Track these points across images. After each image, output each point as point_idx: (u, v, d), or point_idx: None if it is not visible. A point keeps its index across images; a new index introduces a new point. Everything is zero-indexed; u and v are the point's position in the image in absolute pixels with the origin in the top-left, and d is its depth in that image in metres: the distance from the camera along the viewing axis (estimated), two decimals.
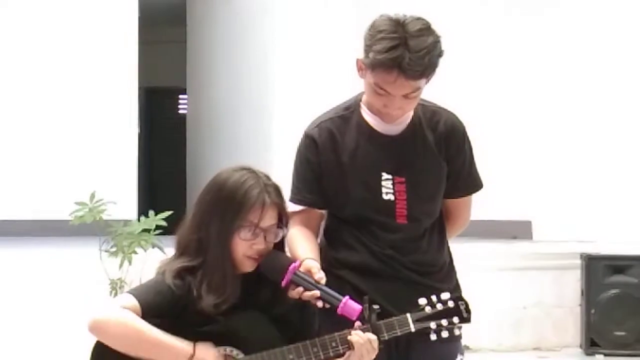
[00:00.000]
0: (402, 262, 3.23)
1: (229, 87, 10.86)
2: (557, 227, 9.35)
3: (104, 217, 6.22)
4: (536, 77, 9.43)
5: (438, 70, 3.11)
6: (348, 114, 3.28)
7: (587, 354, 7.91)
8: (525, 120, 9.55)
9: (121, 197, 7.50)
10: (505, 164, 9.33)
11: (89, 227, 6.27)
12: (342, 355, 2.99)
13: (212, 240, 3.00)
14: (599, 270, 7.92)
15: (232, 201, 3.00)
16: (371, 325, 2.99)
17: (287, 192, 3.16)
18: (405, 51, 3.02)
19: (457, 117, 3.32)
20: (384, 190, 3.21)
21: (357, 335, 2.96)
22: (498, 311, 7.98)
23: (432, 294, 3.04)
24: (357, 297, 3.03)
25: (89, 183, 7.64)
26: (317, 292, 3.00)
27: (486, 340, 7.84)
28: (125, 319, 2.92)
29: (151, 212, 6.29)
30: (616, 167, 9.18)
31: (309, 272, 3.03)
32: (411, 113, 3.23)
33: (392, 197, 3.21)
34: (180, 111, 14.69)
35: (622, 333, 7.85)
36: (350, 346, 2.96)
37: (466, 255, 5.89)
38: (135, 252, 6.17)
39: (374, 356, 2.98)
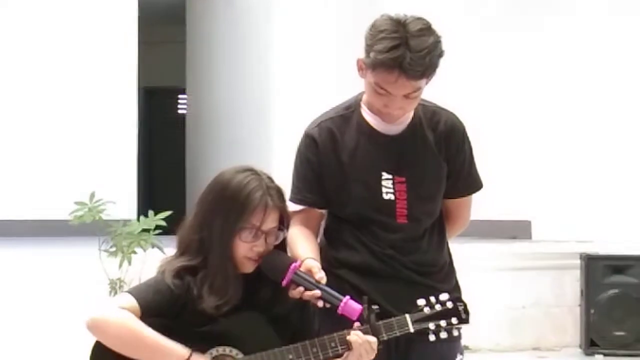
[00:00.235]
0: (402, 262, 3.23)
1: (229, 86, 10.86)
2: (557, 227, 9.34)
3: (104, 217, 6.22)
4: (536, 78, 9.43)
5: (438, 70, 3.11)
6: (348, 114, 3.28)
7: (587, 354, 7.91)
8: (525, 120, 9.55)
9: (121, 197, 7.50)
10: (505, 164, 9.32)
11: (88, 227, 6.26)
12: (341, 355, 2.99)
13: (214, 240, 3.01)
14: (599, 270, 7.92)
15: (235, 203, 3.00)
16: (370, 326, 2.99)
17: (287, 193, 3.16)
18: (406, 51, 3.02)
19: (457, 117, 3.33)
20: (384, 190, 3.21)
21: (356, 336, 2.96)
22: (497, 311, 7.98)
23: (431, 295, 3.04)
24: (357, 297, 3.03)
25: (88, 183, 7.64)
26: (317, 292, 3.00)
27: (485, 340, 7.84)
28: (123, 320, 2.92)
29: (151, 212, 6.29)
30: (615, 167, 9.18)
31: (309, 272, 3.04)
32: (411, 113, 3.23)
33: (392, 197, 3.21)
34: (180, 111, 14.69)
35: (622, 333, 7.85)
36: (349, 346, 2.96)
37: (466, 255, 5.89)
38: (135, 252, 6.17)
39: (372, 357, 2.98)
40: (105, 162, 9.70)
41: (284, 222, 3.07)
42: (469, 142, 3.33)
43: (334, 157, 3.24)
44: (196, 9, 11.92)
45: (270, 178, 3.07)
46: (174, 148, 13.49)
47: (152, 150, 14.34)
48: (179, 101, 14.87)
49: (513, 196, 9.43)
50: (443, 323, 3.02)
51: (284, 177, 3.17)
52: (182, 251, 3.08)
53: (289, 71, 9.89)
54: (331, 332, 2.99)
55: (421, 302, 3.02)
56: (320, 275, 3.03)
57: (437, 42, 3.08)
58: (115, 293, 6.07)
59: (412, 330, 3.01)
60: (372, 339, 2.96)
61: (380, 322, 3.00)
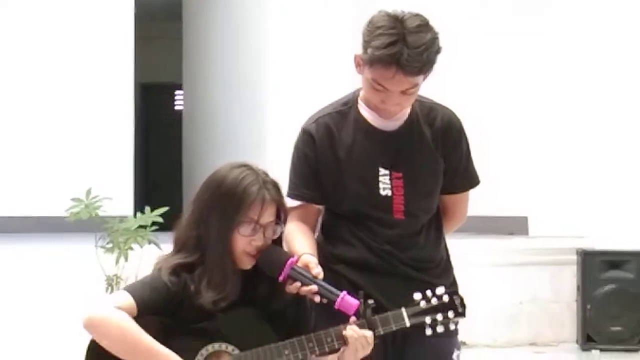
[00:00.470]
0: (399, 257, 3.23)
1: (225, 82, 10.86)
2: (553, 223, 9.36)
3: (100, 213, 6.21)
4: (533, 74, 9.43)
5: (436, 66, 3.10)
6: (346, 110, 3.28)
7: (583, 349, 7.92)
8: (522, 116, 9.56)
9: (117, 193, 7.50)
10: (502, 161, 9.34)
11: (84, 223, 6.26)
12: (338, 350, 2.98)
13: (212, 236, 3.01)
14: (595, 266, 7.94)
15: (231, 197, 3.00)
16: (366, 320, 2.98)
17: (284, 188, 3.16)
18: (403, 47, 3.02)
19: (454, 113, 3.32)
20: (381, 185, 3.21)
21: (352, 330, 2.96)
22: (494, 307, 7.99)
23: (427, 289, 3.03)
24: (354, 292, 3.03)
25: (84, 179, 7.64)
26: (314, 287, 3.00)
27: (482, 335, 7.85)
28: (120, 322, 2.90)
29: (147, 208, 6.29)
30: (612, 163, 9.19)
31: (306, 267, 3.03)
32: (409, 109, 3.23)
33: (389, 193, 3.21)
34: (177, 107, 14.69)
35: (618, 328, 7.86)
36: (345, 341, 2.96)
37: (463, 251, 5.90)
38: (132, 249, 6.16)
39: (369, 351, 2.98)
40: (102, 159, 9.70)
41: (281, 216, 3.07)
42: (466, 138, 3.33)
43: (331, 153, 3.24)
44: (192, 6, 11.92)
45: (265, 173, 3.07)
46: (170, 144, 13.49)
47: (148, 146, 14.35)
48: (175, 97, 14.86)
49: (510, 192, 9.44)
50: (439, 317, 3.00)
51: (279, 173, 3.17)
52: (179, 248, 3.07)
53: (285, 67, 9.90)
54: (327, 328, 2.99)
55: (417, 296, 3.01)
56: (317, 271, 3.03)
57: (435, 38, 3.08)
58: (112, 289, 6.07)
59: (408, 324, 3.00)
60: (368, 333, 2.96)
61: (376, 316, 2.99)
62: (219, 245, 3.00)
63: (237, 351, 2.96)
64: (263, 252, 3.03)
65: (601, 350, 7.84)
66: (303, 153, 3.26)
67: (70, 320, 3.71)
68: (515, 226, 9.61)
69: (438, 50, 3.09)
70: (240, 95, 10.52)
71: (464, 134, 3.32)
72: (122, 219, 6.37)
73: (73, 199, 6.27)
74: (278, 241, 3.11)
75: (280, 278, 3.02)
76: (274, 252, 3.05)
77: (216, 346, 2.97)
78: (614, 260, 7.96)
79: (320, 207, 3.31)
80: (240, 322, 2.99)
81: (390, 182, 3.21)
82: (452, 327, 3.03)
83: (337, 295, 3.00)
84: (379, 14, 3.11)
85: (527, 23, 9.41)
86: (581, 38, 9.19)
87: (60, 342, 6.46)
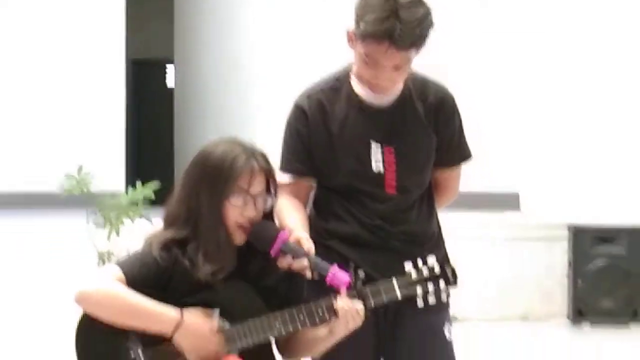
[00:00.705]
0: (391, 232, 3.23)
1: (216, 58, 10.82)
2: (545, 199, 9.37)
3: (92, 189, 6.22)
4: (524, 49, 9.42)
5: (428, 42, 3.10)
6: (338, 85, 3.27)
7: (574, 324, 7.96)
8: (514, 92, 9.55)
9: (109, 169, 7.51)
10: (494, 136, 9.33)
11: (76, 199, 6.27)
12: (328, 322, 2.99)
13: (203, 209, 3.01)
14: (586, 241, 7.97)
15: (221, 169, 3.01)
16: (357, 292, 2.99)
17: (274, 163, 3.16)
18: (396, 22, 3.01)
19: (446, 89, 3.32)
20: (373, 160, 3.21)
21: (342, 302, 2.96)
22: (486, 281, 8.02)
23: (418, 259, 3.02)
24: (346, 267, 3.03)
25: (76, 155, 7.64)
26: (306, 262, 3.01)
27: (474, 310, 7.88)
28: (110, 290, 2.93)
29: (138, 184, 6.30)
30: (603, 140, 9.20)
31: (298, 242, 3.04)
32: (401, 84, 3.23)
33: (381, 168, 3.21)
34: (168, 83, 14.65)
35: (609, 303, 7.90)
36: (336, 313, 2.97)
37: (455, 226, 5.90)
38: (123, 224, 6.18)
39: (360, 323, 2.98)
40: (93, 135, 9.67)
41: (271, 187, 3.07)
42: (458, 114, 3.33)
43: (324, 129, 3.23)
44: None
45: (252, 145, 3.08)
46: (161, 120, 13.46)
47: (140, 122, 14.30)
48: (167, 73, 14.82)
49: (502, 168, 9.45)
50: (431, 287, 2.98)
51: (270, 149, 3.16)
52: (170, 223, 3.08)
53: (276, 43, 9.87)
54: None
55: (408, 266, 3.00)
56: (309, 246, 3.04)
57: (427, 13, 3.07)
58: (104, 264, 6.08)
59: (399, 295, 2.98)
60: (359, 305, 2.97)
61: (367, 288, 2.99)
62: (211, 218, 3.00)
63: (227, 324, 2.97)
64: (255, 227, 3.03)
65: (592, 324, 7.89)
66: (295, 129, 3.26)
67: (62, 296, 3.71)
68: (507, 202, 9.61)
69: (431, 25, 3.08)
70: (232, 71, 10.49)
71: (457, 109, 3.32)
72: (114, 194, 6.39)
73: (65, 175, 6.27)
74: (270, 216, 3.11)
75: (272, 253, 3.02)
76: (265, 227, 3.06)
77: (209, 311, 2.97)
78: (605, 235, 7.99)
79: (312, 182, 3.31)
80: (232, 296, 3.01)
81: (383, 157, 3.21)
82: (443, 297, 3.01)
83: (329, 271, 3.00)
84: None
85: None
86: (574, 14, 9.18)
87: (52, 317, 6.47)
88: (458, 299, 3.28)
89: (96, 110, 9.77)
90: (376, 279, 3.04)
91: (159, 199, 4.34)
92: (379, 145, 3.22)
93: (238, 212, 3.02)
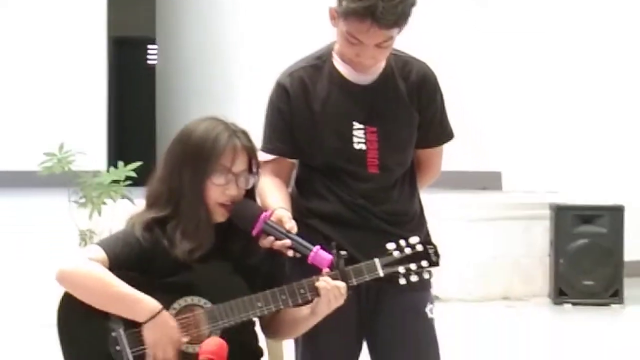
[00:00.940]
0: (373, 211, 3.23)
1: (199, 37, 10.80)
2: (527, 178, 9.40)
3: (73, 167, 6.20)
4: (506, 29, 9.44)
5: (411, 20, 3.09)
6: (320, 63, 3.26)
7: (556, 303, 7.99)
8: (496, 71, 9.57)
9: (90, 148, 7.48)
10: (476, 115, 9.35)
11: (57, 178, 6.24)
12: (311, 301, 2.99)
13: (185, 187, 3.00)
14: (568, 220, 7.99)
15: (203, 147, 3.00)
16: (339, 272, 2.98)
17: (256, 142, 3.15)
18: (378, 0, 3.00)
19: (429, 67, 3.31)
20: (355, 139, 3.21)
21: (324, 282, 2.96)
22: (467, 261, 8.03)
23: (401, 239, 3.03)
24: (328, 246, 3.03)
25: (58, 134, 7.60)
26: (288, 242, 3.00)
27: (455, 290, 7.90)
28: (92, 271, 2.92)
29: (120, 163, 6.27)
30: (584, 118, 9.23)
31: (280, 222, 3.03)
32: (383, 63, 3.22)
33: (363, 147, 3.21)
34: (150, 61, 14.60)
35: (590, 282, 7.93)
36: (317, 292, 2.96)
37: (436, 206, 5.91)
38: (105, 203, 6.16)
39: (341, 302, 2.98)
40: (75, 113, 9.65)
41: (253, 165, 3.06)
42: (440, 93, 3.32)
43: (306, 107, 3.22)
44: None
45: (234, 124, 3.06)
46: (143, 99, 13.42)
47: (121, 101, 14.25)
48: (149, 51, 14.77)
49: (483, 147, 9.48)
50: (413, 266, 3.00)
51: (252, 127, 3.15)
52: (152, 203, 3.07)
53: (258, 21, 9.85)
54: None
55: (391, 246, 3.01)
56: (291, 225, 3.03)
57: None
58: (85, 244, 6.06)
59: (381, 274, 2.99)
60: (341, 284, 2.96)
61: (349, 268, 2.99)
62: (193, 196, 2.99)
63: (209, 304, 2.96)
64: (236, 206, 3.03)
65: (573, 304, 7.92)
66: (277, 107, 3.25)
67: (43, 275, 3.70)
68: (488, 181, 9.64)
69: (413, 3, 3.08)
70: (215, 50, 10.47)
71: (439, 88, 3.32)
72: (96, 173, 6.36)
73: (46, 154, 6.24)
74: (251, 195, 3.10)
75: (254, 232, 3.02)
76: (247, 206, 3.05)
77: (188, 300, 2.97)
78: (586, 214, 8.01)
79: (294, 161, 3.30)
80: (214, 276, 3.00)
81: (365, 135, 3.21)
82: (426, 276, 3.02)
83: (311, 250, 3.00)
84: None
85: None
86: (557, 12, 9.20)
87: (33, 295, 6.46)
88: (440, 279, 3.28)
89: (78, 88, 9.74)
90: (358, 258, 3.04)
91: (141, 179, 4.32)
92: (361, 124, 3.21)
93: (220, 190, 3.01)
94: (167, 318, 2.92)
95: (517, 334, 7.17)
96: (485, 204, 8.51)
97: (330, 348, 3.26)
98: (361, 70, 3.19)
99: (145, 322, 2.90)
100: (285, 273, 3.10)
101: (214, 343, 2.85)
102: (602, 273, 7.93)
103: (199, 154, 3.00)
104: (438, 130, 3.33)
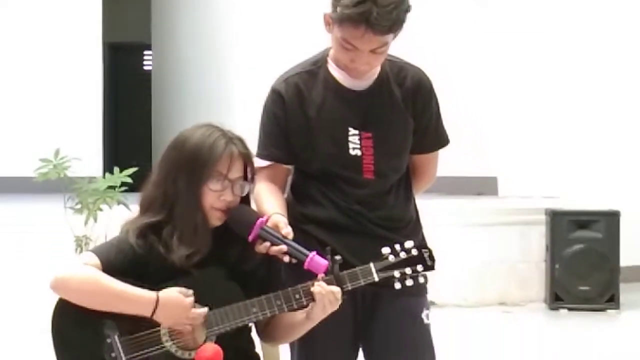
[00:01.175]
0: (368, 217, 3.23)
1: (194, 42, 10.80)
2: (523, 183, 9.40)
3: (69, 174, 6.19)
4: (502, 32, 9.44)
5: (406, 26, 3.09)
6: (315, 69, 3.26)
7: (551, 309, 7.99)
8: (492, 76, 9.57)
9: (86, 154, 7.47)
10: (471, 120, 9.35)
11: (53, 184, 6.24)
12: (306, 307, 2.99)
13: (181, 193, 3.00)
14: (564, 226, 7.99)
15: (199, 153, 3.00)
16: (334, 276, 2.99)
17: (252, 148, 3.15)
18: (373, 6, 3.00)
19: (424, 73, 3.32)
20: (350, 145, 3.21)
21: (319, 287, 2.96)
22: (463, 267, 8.03)
23: (396, 244, 3.03)
24: (323, 252, 3.03)
25: (53, 140, 7.59)
26: (284, 247, 3.00)
27: (451, 295, 7.89)
28: (87, 273, 2.92)
29: (116, 169, 6.27)
30: (581, 124, 9.23)
31: (276, 227, 3.03)
32: (378, 69, 3.22)
33: (358, 153, 3.21)
34: (145, 67, 14.60)
35: (586, 288, 7.93)
36: (313, 298, 2.97)
37: (432, 211, 5.91)
38: (100, 209, 6.15)
39: (337, 307, 2.98)
40: (71, 119, 9.64)
41: (248, 173, 3.06)
42: (435, 98, 3.33)
43: (301, 113, 3.22)
44: None
45: (230, 131, 3.07)
46: (139, 104, 13.42)
47: (117, 106, 14.26)
48: (144, 57, 14.77)
49: (479, 152, 9.47)
50: (408, 270, 3.00)
51: (248, 133, 3.16)
52: (146, 209, 3.07)
53: (254, 26, 9.86)
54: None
55: (386, 250, 3.01)
56: (287, 231, 3.03)
57: None
58: (81, 250, 6.06)
59: (377, 279, 3.00)
60: (336, 289, 2.96)
61: (344, 272, 2.99)
62: (189, 201, 2.99)
63: (206, 310, 2.96)
64: (233, 212, 3.03)
65: (569, 309, 7.92)
66: (272, 113, 3.25)
67: (39, 282, 3.70)
68: (484, 186, 9.65)
69: (408, 9, 3.08)
70: (210, 56, 10.47)
71: (434, 93, 3.32)
72: (91, 179, 6.35)
73: (41, 160, 6.24)
74: (247, 201, 3.11)
75: (250, 238, 3.02)
76: (243, 212, 3.05)
77: (184, 290, 2.97)
78: (582, 220, 8.01)
79: (290, 167, 3.30)
80: (209, 281, 3.00)
81: (360, 141, 3.21)
82: (421, 280, 3.03)
83: (307, 255, 3.00)
84: None
85: None
86: (554, 13, 9.21)
87: (28, 302, 6.45)
88: (436, 285, 3.28)
89: (73, 94, 9.73)
90: (353, 264, 3.04)
91: (137, 184, 4.32)
92: (356, 130, 3.21)
93: (216, 196, 3.01)
94: (165, 297, 2.91)
95: (513, 339, 7.17)
96: (481, 209, 8.51)
97: (326, 353, 3.27)
98: (356, 76, 3.19)
99: (152, 315, 2.91)
100: (282, 279, 3.11)
101: (210, 349, 2.85)
102: (598, 278, 7.93)
103: (196, 159, 3.00)
104: (433, 136, 3.33)
